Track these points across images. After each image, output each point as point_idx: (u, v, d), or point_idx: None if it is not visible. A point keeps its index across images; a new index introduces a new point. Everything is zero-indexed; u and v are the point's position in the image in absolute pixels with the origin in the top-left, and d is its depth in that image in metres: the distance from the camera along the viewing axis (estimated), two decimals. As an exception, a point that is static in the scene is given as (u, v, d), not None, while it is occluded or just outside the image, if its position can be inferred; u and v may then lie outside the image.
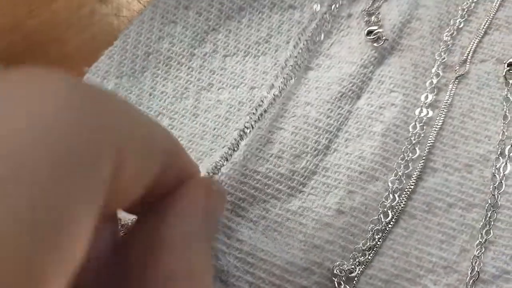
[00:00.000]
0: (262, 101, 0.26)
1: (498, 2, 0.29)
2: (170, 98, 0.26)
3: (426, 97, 0.26)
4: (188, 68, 0.27)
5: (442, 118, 0.26)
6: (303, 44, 0.27)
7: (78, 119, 0.11)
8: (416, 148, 0.25)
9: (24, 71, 0.11)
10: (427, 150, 0.25)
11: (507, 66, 0.27)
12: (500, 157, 0.25)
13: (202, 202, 0.16)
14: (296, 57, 0.27)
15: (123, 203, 0.14)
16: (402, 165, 0.25)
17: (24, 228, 0.09)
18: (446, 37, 0.28)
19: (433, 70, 0.27)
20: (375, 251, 0.23)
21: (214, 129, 0.26)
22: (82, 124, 0.11)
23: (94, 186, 0.11)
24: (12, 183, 0.09)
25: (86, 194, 0.11)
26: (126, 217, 0.19)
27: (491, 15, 0.29)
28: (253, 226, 0.23)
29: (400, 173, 0.24)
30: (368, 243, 0.23)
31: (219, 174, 0.24)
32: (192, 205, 0.16)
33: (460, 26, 0.28)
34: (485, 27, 0.28)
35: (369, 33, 0.27)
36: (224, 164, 0.24)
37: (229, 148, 0.23)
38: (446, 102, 0.26)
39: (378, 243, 0.23)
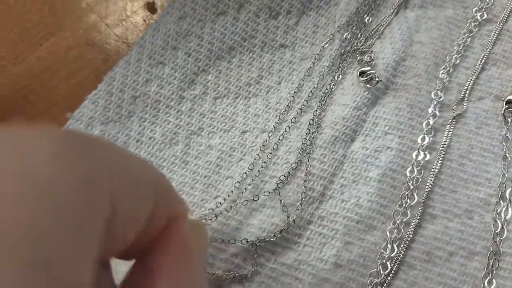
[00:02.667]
0: (254, 146, 0.27)
1: (495, 36, 0.30)
2: (159, 144, 0.27)
3: (423, 139, 0.27)
4: (178, 112, 0.27)
5: (440, 161, 0.26)
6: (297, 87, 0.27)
7: (70, 176, 0.11)
8: (414, 194, 0.25)
9: (11, 131, 0.12)
10: (425, 196, 0.25)
11: (506, 103, 0.28)
12: (501, 201, 0.25)
13: (191, 251, 0.16)
14: (287, 99, 0.28)
15: (117, 250, 0.14)
16: (400, 213, 0.25)
17: (23, 285, 0.10)
18: (442, 75, 0.28)
19: (429, 110, 0.27)
20: (374, 306, 0.23)
21: (205, 177, 0.26)
22: (75, 180, 0.11)
23: (91, 239, 0.11)
24: (10, 241, 0.10)
25: (83, 249, 0.11)
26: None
27: (488, 49, 0.29)
28: (246, 283, 0.23)
29: (398, 221, 0.25)
30: (367, 298, 0.23)
31: (209, 228, 0.24)
32: (182, 255, 0.16)
33: (456, 62, 0.29)
34: (482, 62, 0.29)
35: (362, 73, 0.28)
36: (216, 218, 0.24)
37: (220, 203, 0.23)
38: (444, 144, 0.27)
39: (377, 298, 0.23)
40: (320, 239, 0.24)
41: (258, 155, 0.26)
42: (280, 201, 0.25)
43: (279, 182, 0.25)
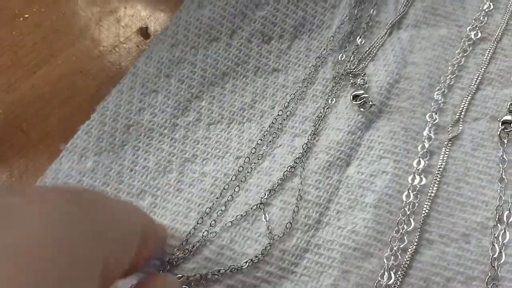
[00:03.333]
0: (248, 172, 0.27)
1: (489, 55, 0.30)
2: (153, 173, 0.27)
3: (419, 163, 0.27)
4: (171, 140, 0.28)
5: (436, 185, 0.26)
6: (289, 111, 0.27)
7: (72, 235, 0.14)
8: (411, 219, 0.25)
9: (19, 195, 0.14)
10: (422, 221, 0.25)
11: (502, 124, 0.28)
12: (498, 224, 0.25)
13: None
14: (281, 123, 0.28)
15: (107, 285, 0.16)
16: (397, 239, 0.25)
17: None
18: (437, 96, 0.29)
19: (424, 133, 0.28)
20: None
21: (199, 205, 0.26)
22: (77, 238, 0.14)
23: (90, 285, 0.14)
24: None
25: None
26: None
27: (483, 69, 0.30)
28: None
29: (395, 248, 0.25)
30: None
31: (203, 257, 0.24)
32: None
33: (451, 83, 0.29)
34: (477, 82, 0.29)
35: (355, 97, 0.28)
36: (208, 247, 0.24)
37: (215, 232, 0.23)
38: (440, 167, 0.27)
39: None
40: (317, 267, 0.25)
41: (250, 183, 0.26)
42: (268, 227, 0.25)
43: (266, 204, 0.25)
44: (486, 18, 0.31)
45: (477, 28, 0.31)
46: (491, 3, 0.31)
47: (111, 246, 0.15)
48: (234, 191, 0.26)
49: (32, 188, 0.16)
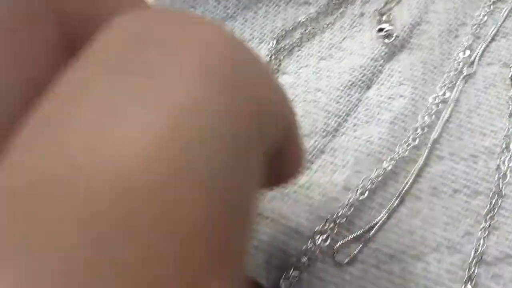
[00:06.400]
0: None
1: (506, 13, 0.34)
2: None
3: (434, 91, 0.30)
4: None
5: (449, 112, 0.30)
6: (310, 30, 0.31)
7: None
8: (423, 136, 0.29)
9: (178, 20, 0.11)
10: (434, 138, 0.28)
11: (513, 70, 0.32)
12: (505, 151, 0.29)
13: None
14: (309, 47, 0.32)
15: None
16: (407, 151, 0.28)
17: (204, 223, 0.09)
18: (453, 41, 0.33)
19: (441, 69, 0.31)
20: (379, 226, 0.26)
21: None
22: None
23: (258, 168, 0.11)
24: (191, 175, 0.09)
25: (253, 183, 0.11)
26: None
27: (499, 23, 0.34)
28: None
29: (406, 158, 0.28)
30: (373, 220, 0.26)
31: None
32: None
33: (468, 31, 0.33)
34: (492, 34, 0.33)
35: (380, 30, 0.32)
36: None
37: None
38: (453, 98, 0.30)
39: (384, 219, 0.26)
40: (332, 167, 0.28)
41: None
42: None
43: None
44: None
45: (496, -10, 0.35)
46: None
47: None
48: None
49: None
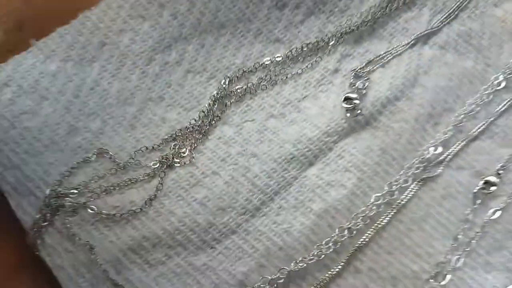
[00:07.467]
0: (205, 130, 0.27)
1: (505, 107, 0.29)
2: (112, 99, 0.27)
3: (381, 189, 0.27)
4: (143, 73, 0.28)
5: (388, 218, 0.27)
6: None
7: None
8: (347, 241, 0.26)
9: None
10: (357, 245, 0.26)
11: (483, 183, 0.28)
12: (431, 280, 0.26)
13: None
14: (263, 99, 0.28)
15: None
16: (324, 255, 0.26)
17: None
18: (431, 129, 0.28)
19: (401, 163, 0.28)
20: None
21: (146, 148, 0.27)
22: None
23: None
24: None
25: None
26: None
27: (492, 118, 0.29)
28: (148, 269, 0.25)
29: (319, 263, 0.26)
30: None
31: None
32: None
33: (451, 120, 0.29)
34: (479, 130, 0.29)
35: (347, 99, 0.28)
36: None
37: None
38: (401, 202, 0.27)
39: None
40: (237, 252, 0.26)
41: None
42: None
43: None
44: (519, 67, 0.30)
45: (505, 75, 0.30)
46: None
47: None
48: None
49: None
